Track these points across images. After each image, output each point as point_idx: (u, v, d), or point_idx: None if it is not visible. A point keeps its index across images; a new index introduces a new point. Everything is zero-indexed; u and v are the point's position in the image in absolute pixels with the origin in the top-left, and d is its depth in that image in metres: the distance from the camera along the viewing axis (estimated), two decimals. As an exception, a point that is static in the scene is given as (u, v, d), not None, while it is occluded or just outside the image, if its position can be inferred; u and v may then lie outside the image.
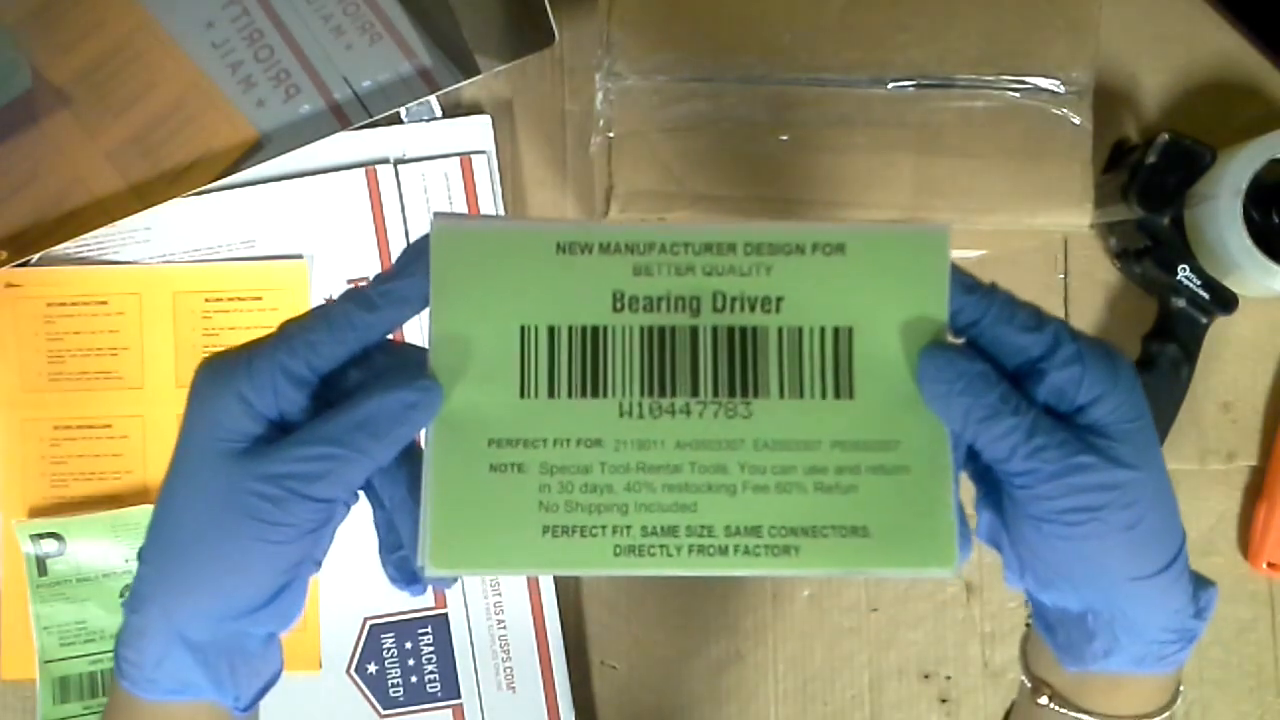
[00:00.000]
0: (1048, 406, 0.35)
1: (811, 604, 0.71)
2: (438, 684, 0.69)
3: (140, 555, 0.35)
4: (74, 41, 0.68)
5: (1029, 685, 0.43)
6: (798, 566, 0.35)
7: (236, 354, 0.34)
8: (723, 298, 0.36)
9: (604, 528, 0.35)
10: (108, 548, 0.65)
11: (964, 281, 0.36)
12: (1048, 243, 0.72)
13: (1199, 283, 0.68)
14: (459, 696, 0.69)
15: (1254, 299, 0.69)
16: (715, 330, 0.36)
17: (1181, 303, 0.68)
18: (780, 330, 0.36)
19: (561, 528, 0.35)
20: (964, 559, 0.36)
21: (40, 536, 0.64)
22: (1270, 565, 0.71)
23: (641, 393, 0.36)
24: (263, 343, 0.34)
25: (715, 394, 0.36)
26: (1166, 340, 0.68)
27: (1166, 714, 0.41)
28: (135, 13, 0.69)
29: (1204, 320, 0.68)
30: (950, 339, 0.36)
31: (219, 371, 0.34)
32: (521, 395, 0.36)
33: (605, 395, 0.36)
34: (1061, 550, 0.36)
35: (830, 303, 0.36)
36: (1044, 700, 0.42)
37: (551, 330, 0.36)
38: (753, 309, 0.36)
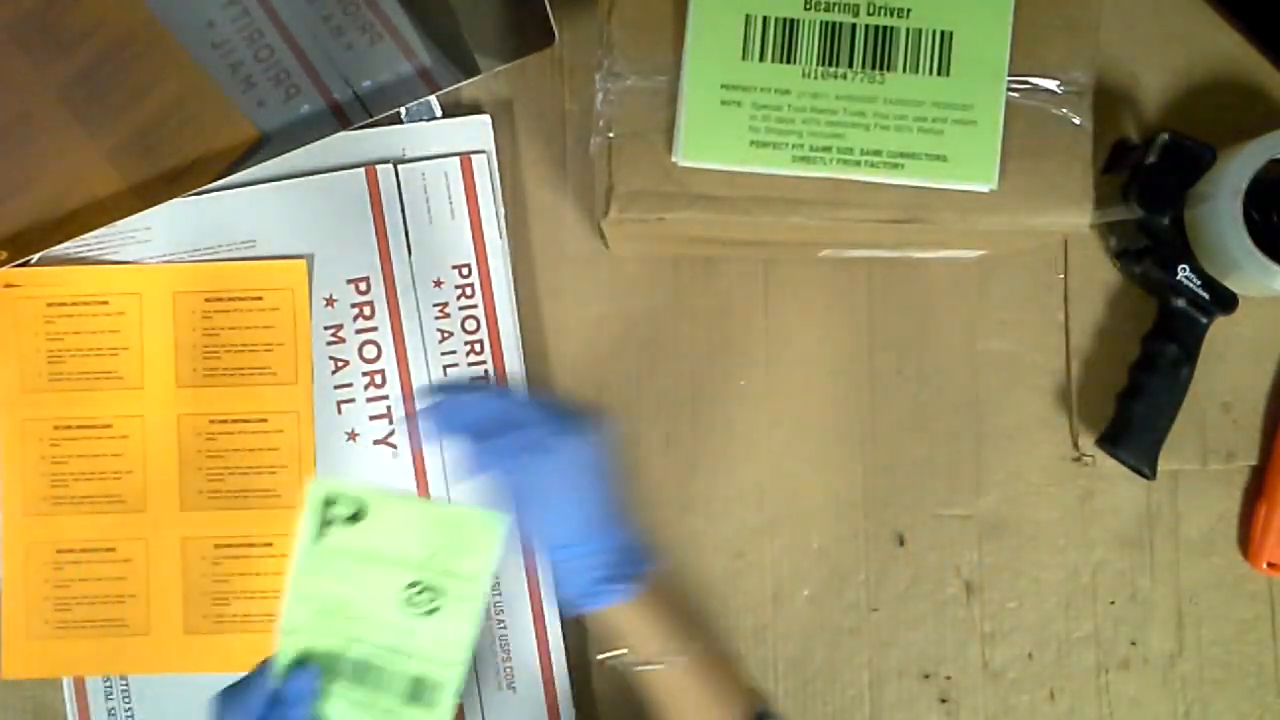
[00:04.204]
0: None
1: (811, 604, 0.71)
2: (438, 684, 0.69)
3: None
4: (74, 41, 0.68)
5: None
6: (902, 176, 0.55)
7: (245, 688, 0.54)
8: (873, 6, 0.55)
9: (787, 143, 0.55)
10: (410, 535, 0.56)
11: (485, 400, 0.58)
12: (1048, 243, 0.72)
13: (1199, 283, 0.68)
14: (459, 696, 0.69)
15: (1254, 299, 0.69)
16: (867, 27, 0.55)
17: (1181, 303, 0.68)
18: (907, 30, 0.55)
19: (762, 141, 0.55)
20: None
21: (334, 501, 0.56)
22: (1270, 565, 0.71)
23: (817, 62, 0.55)
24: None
25: (863, 67, 0.55)
26: (1166, 340, 0.68)
27: (655, 666, 0.55)
28: (135, 12, 0.69)
29: (1204, 320, 0.68)
30: None
31: (235, 699, 0.54)
32: (743, 58, 0.55)
33: (794, 62, 0.55)
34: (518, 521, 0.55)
35: (941, 15, 0.55)
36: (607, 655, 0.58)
37: (764, 18, 0.55)
38: (891, 14, 0.55)
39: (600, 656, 0.57)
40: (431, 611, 0.54)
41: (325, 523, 0.54)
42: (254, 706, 0.53)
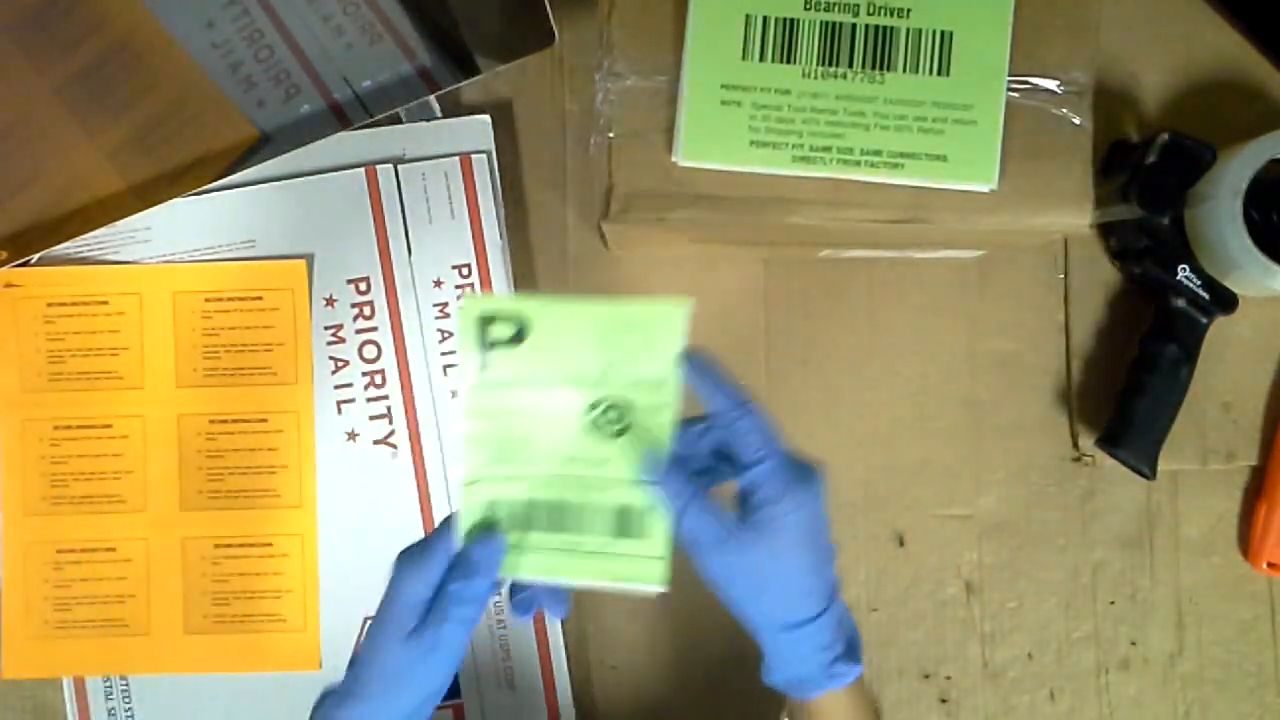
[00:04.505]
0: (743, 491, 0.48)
1: (811, 604, 0.71)
2: (438, 684, 0.69)
3: (348, 673, 0.50)
4: (74, 41, 0.68)
5: (786, 707, 0.55)
6: (902, 176, 0.55)
7: (425, 550, 0.48)
8: (873, 6, 0.55)
9: (787, 143, 0.55)
10: (582, 347, 0.48)
11: (732, 394, 0.48)
12: (1048, 243, 0.72)
13: (1199, 283, 0.68)
14: (459, 696, 0.69)
15: (1254, 299, 0.69)
16: (867, 27, 0.55)
17: (1181, 303, 0.68)
18: (907, 30, 0.55)
19: (762, 141, 0.55)
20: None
21: (490, 320, 0.48)
22: (1270, 565, 0.71)
23: (817, 63, 0.55)
24: (435, 552, 0.48)
25: (863, 67, 0.55)
26: (1166, 340, 0.68)
27: None
28: (135, 13, 0.69)
29: (1204, 320, 0.68)
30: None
31: (413, 563, 0.48)
32: (743, 58, 0.55)
33: (794, 62, 0.55)
34: (719, 595, 0.49)
35: (941, 15, 0.55)
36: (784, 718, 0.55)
37: (764, 18, 0.55)
38: (891, 15, 0.55)
39: None
40: (622, 431, 0.48)
41: (487, 348, 0.48)
42: (433, 573, 0.48)
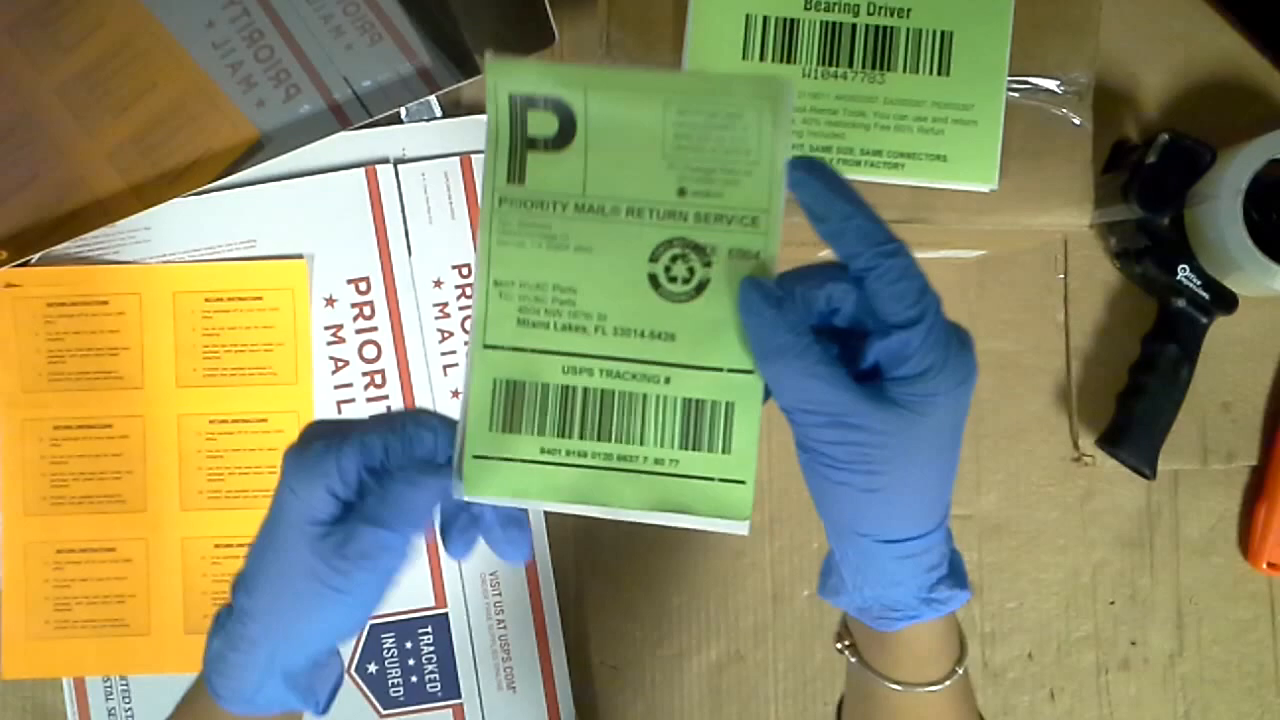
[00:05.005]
0: (876, 362, 0.37)
1: (811, 604, 0.71)
2: (438, 684, 0.69)
3: (235, 599, 0.41)
4: (74, 41, 0.68)
5: (838, 628, 0.46)
6: (902, 176, 0.53)
7: (324, 452, 0.38)
8: (873, 6, 0.53)
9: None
10: (648, 153, 0.35)
11: (869, 230, 0.36)
12: (1048, 243, 0.72)
13: (1199, 283, 0.68)
14: (459, 696, 0.69)
15: (1254, 299, 0.69)
16: (867, 27, 0.53)
17: (1181, 303, 0.68)
18: (907, 30, 0.54)
19: None
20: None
21: (529, 104, 0.35)
22: (1270, 565, 0.71)
23: (817, 62, 0.54)
24: (346, 444, 0.38)
25: (863, 66, 0.54)
26: (1166, 340, 0.68)
27: (934, 687, 0.43)
28: (135, 13, 0.69)
29: (1204, 320, 0.68)
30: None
31: (310, 465, 0.38)
32: (743, 58, 0.53)
33: (794, 62, 0.54)
34: (814, 484, 0.37)
35: (941, 14, 0.53)
36: (840, 646, 0.46)
37: (764, 18, 0.53)
38: (891, 15, 0.53)
39: (871, 676, 0.43)
40: (699, 287, 0.35)
41: (521, 150, 0.35)
42: (348, 480, 0.38)
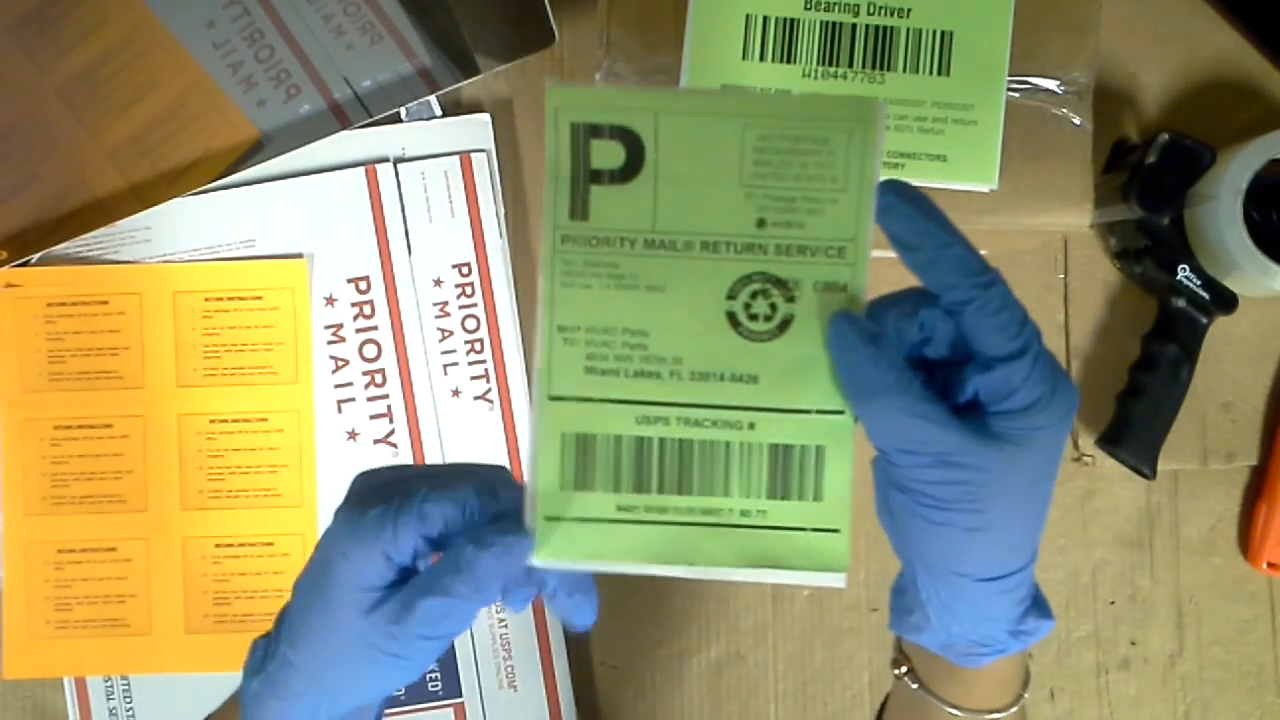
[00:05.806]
0: (975, 396, 0.35)
1: (811, 604, 0.71)
2: (439, 682, 0.69)
3: (279, 645, 0.40)
4: (74, 41, 0.68)
5: (894, 654, 0.45)
6: (902, 176, 0.46)
7: (381, 517, 0.37)
8: (873, 6, 0.54)
9: None
10: (724, 183, 0.33)
11: (965, 260, 0.34)
12: (1048, 243, 0.72)
13: (1199, 283, 0.68)
14: (460, 695, 0.69)
15: (1254, 299, 0.69)
16: (867, 27, 0.54)
17: (1181, 303, 0.68)
18: (907, 30, 0.54)
19: None
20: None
21: (593, 132, 0.33)
22: (1270, 565, 0.71)
23: (817, 62, 0.54)
24: (403, 514, 0.37)
25: (863, 66, 0.54)
26: (1166, 340, 0.68)
27: (1000, 714, 0.42)
28: (136, 12, 0.69)
29: (1204, 320, 0.68)
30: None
31: (364, 531, 0.37)
32: (743, 58, 0.54)
33: (794, 62, 0.54)
34: (906, 524, 0.36)
35: (941, 14, 0.54)
36: (899, 671, 0.44)
37: (764, 18, 0.54)
38: (891, 15, 0.54)
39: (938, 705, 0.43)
40: (782, 325, 0.33)
41: (584, 183, 0.33)
42: (405, 548, 0.37)
